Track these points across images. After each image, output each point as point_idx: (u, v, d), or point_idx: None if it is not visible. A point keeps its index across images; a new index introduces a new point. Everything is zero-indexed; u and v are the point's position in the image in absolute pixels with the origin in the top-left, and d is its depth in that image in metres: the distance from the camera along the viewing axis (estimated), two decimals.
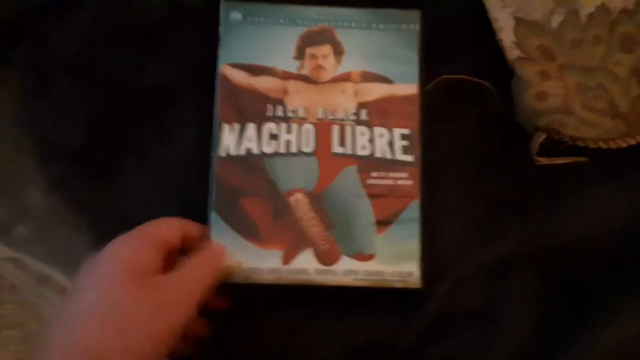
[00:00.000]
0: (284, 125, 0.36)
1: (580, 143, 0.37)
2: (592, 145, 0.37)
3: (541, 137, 0.37)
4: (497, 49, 0.38)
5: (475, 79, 0.38)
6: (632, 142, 0.37)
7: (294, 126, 0.36)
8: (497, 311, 0.36)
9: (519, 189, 0.38)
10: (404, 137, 0.36)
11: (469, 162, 0.38)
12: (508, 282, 0.36)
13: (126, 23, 0.38)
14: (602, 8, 0.38)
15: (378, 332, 0.36)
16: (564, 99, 0.37)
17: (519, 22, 0.38)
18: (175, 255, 0.33)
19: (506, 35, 0.38)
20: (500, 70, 0.38)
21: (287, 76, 0.36)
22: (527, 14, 0.38)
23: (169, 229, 0.33)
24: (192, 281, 0.31)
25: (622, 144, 0.37)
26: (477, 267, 0.36)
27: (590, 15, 0.37)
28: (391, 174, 0.35)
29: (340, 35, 0.37)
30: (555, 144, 0.37)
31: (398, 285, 0.34)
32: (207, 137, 0.35)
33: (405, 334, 0.36)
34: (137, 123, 0.37)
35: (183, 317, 0.30)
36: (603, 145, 0.37)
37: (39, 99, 0.38)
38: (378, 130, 0.36)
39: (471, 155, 0.38)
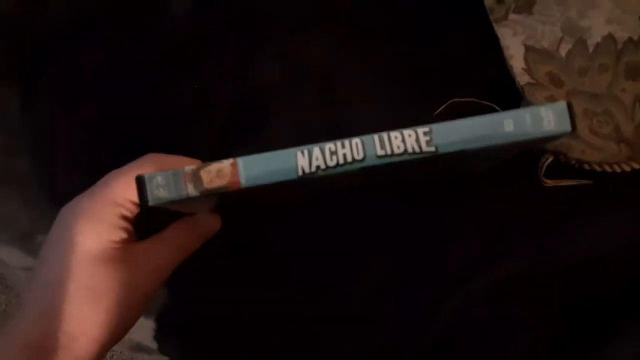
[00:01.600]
0: None
1: (586, 166, 0.38)
2: (598, 168, 0.38)
3: (548, 160, 0.38)
4: (507, 74, 0.39)
5: (485, 103, 0.40)
6: (637, 166, 0.38)
7: None
8: (501, 332, 0.37)
9: (525, 210, 0.39)
10: None
11: (477, 184, 0.39)
12: (512, 303, 0.37)
13: (152, 44, 0.40)
14: (609, 38, 0.39)
15: (385, 349, 0.37)
16: None
17: (529, 50, 0.39)
18: None
19: (516, 62, 0.39)
20: (509, 96, 0.39)
21: None
22: (536, 42, 0.39)
23: (120, 190, 0.30)
24: (167, 252, 0.31)
25: (627, 169, 0.38)
26: (482, 288, 0.37)
27: (598, 44, 0.39)
28: None
29: None
30: (562, 167, 0.38)
31: None
32: None
33: (408, 351, 0.37)
34: (164, 143, 0.38)
35: (158, 285, 0.30)
36: (608, 169, 0.38)
37: (66, 118, 0.39)
38: None
39: (479, 178, 0.39)
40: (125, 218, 0.30)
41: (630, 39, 0.39)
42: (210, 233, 0.34)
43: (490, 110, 0.40)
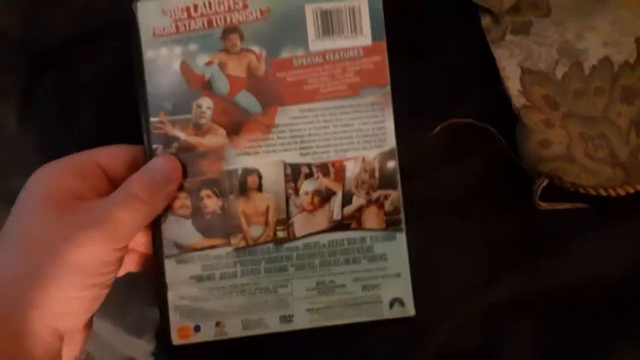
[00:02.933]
0: None
1: (581, 190, 0.38)
2: (592, 192, 0.38)
3: (543, 183, 0.38)
4: (503, 95, 0.39)
5: (481, 124, 0.40)
6: (631, 190, 0.38)
7: None
8: (498, 354, 0.37)
9: (521, 233, 0.39)
10: None
11: (473, 204, 0.39)
12: (509, 324, 0.38)
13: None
14: (605, 61, 0.39)
15: None
16: (566, 147, 0.38)
17: (525, 71, 0.39)
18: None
19: (512, 83, 0.39)
20: (505, 116, 0.39)
21: None
22: (533, 64, 0.39)
23: (107, 153, 0.31)
24: (112, 205, 0.29)
25: (622, 192, 0.38)
26: (479, 309, 0.38)
27: (593, 67, 0.39)
28: None
29: None
30: (557, 190, 0.38)
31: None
32: None
33: None
34: None
35: (103, 242, 0.28)
36: (603, 193, 0.38)
37: (64, 126, 0.39)
38: None
39: (475, 198, 0.39)
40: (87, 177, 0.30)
41: (627, 62, 0.39)
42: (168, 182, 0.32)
43: (486, 132, 0.40)
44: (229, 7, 0.32)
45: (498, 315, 0.38)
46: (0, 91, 0.40)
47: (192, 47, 0.32)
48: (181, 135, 0.33)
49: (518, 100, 0.39)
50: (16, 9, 0.39)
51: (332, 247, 0.33)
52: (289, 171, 0.33)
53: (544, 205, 0.38)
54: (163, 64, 0.32)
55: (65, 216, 0.28)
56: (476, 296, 0.38)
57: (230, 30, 0.33)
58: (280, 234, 0.33)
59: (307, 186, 0.33)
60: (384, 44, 0.34)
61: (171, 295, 0.33)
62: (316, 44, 0.33)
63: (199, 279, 0.33)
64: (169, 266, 0.33)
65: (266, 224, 0.33)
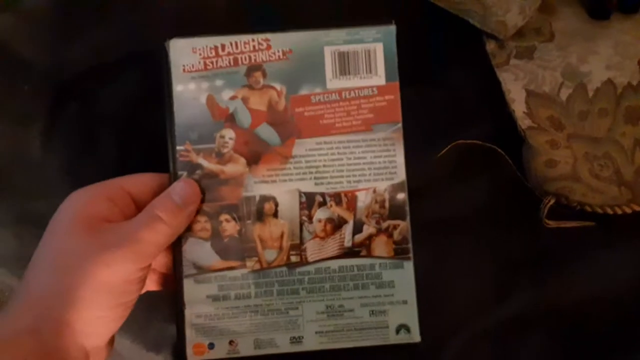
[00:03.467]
0: None
1: (588, 208, 0.39)
2: (599, 210, 0.39)
3: (550, 202, 0.39)
4: (509, 117, 0.41)
5: (488, 145, 0.41)
6: (637, 208, 0.39)
7: None
8: None
9: (529, 251, 0.40)
10: None
11: (481, 223, 0.40)
12: (517, 342, 0.38)
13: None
14: (608, 83, 0.40)
15: None
16: (572, 166, 0.39)
17: (530, 94, 0.40)
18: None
19: (518, 105, 0.40)
20: (512, 137, 0.41)
21: None
22: (537, 87, 0.41)
23: (135, 180, 0.34)
24: (137, 227, 0.31)
25: (628, 211, 0.39)
26: (489, 326, 0.38)
27: (597, 89, 0.40)
28: None
29: None
30: (564, 209, 0.39)
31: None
32: None
33: None
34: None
35: (129, 261, 0.30)
36: (609, 211, 0.39)
37: (86, 153, 0.41)
38: None
39: (483, 218, 0.40)
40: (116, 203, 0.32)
41: (629, 84, 0.40)
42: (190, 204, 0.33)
43: (493, 153, 0.41)
44: (254, 47, 0.35)
45: (506, 332, 0.38)
46: (25, 117, 0.41)
47: (218, 82, 0.35)
48: (204, 163, 0.35)
49: (523, 122, 0.40)
50: (42, 40, 0.42)
51: (342, 273, 0.35)
52: (303, 199, 0.35)
53: (551, 224, 0.39)
54: (190, 97, 0.35)
55: (95, 237, 0.30)
56: (484, 314, 0.39)
57: (254, 68, 0.35)
58: (294, 259, 0.35)
59: (320, 214, 0.35)
60: (397, 84, 0.36)
61: (188, 313, 0.35)
62: (333, 82, 0.35)
63: (215, 298, 0.35)
64: (188, 285, 0.34)
65: (280, 248, 0.35)
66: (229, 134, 0.35)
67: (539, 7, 0.41)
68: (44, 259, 0.31)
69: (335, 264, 0.35)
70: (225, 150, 0.35)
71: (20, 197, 0.41)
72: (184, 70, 0.35)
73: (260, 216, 0.35)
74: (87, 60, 0.41)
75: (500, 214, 0.40)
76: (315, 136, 0.35)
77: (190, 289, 0.34)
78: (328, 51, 0.35)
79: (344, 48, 0.35)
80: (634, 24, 0.42)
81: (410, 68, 0.43)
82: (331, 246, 0.35)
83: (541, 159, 0.39)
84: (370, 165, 0.35)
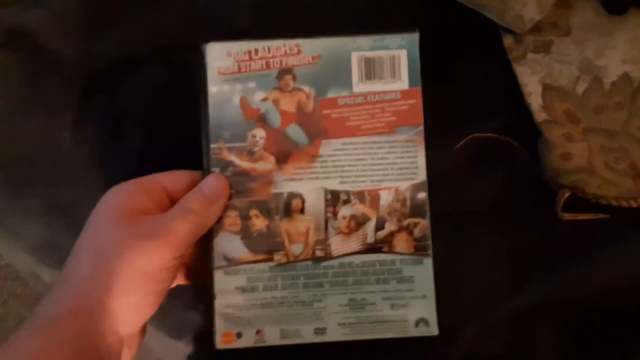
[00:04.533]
0: None
1: (603, 201, 0.40)
2: (614, 203, 0.39)
3: (566, 195, 0.39)
4: (525, 110, 0.41)
5: (504, 138, 0.41)
6: None
7: None
8: (520, 358, 0.38)
9: (544, 243, 0.40)
10: None
11: (497, 215, 0.40)
12: (532, 333, 0.39)
13: (189, 78, 0.43)
14: (625, 77, 0.41)
15: None
16: (587, 159, 0.40)
17: (546, 87, 0.41)
18: None
19: (534, 99, 0.41)
20: (528, 130, 0.41)
21: None
22: (554, 80, 0.41)
23: (170, 177, 0.35)
24: (171, 218, 0.33)
25: None
26: (502, 316, 0.39)
27: (613, 83, 0.41)
28: None
29: None
30: (579, 201, 0.40)
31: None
32: None
33: None
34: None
35: (164, 250, 0.32)
36: (624, 204, 0.39)
37: (112, 144, 0.42)
38: None
39: (499, 210, 0.41)
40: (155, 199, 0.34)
41: None
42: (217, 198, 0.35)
43: (510, 146, 0.41)
44: (285, 52, 0.37)
45: (521, 323, 0.39)
46: (56, 108, 0.43)
47: (251, 84, 0.36)
48: (236, 160, 0.36)
49: (540, 115, 0.41)
50: (71, 34, 0.43)
51: (364, 268, 0.36)
52: (329, 197, 0.36)
53: (567, 216, 0.40)
54: (225, 98, 0.36)
55: (133, 227, 0.32)
56: (499, 305, 0.39)
57: (285, 71, 0.37)
58: (319, 253, 0.36)
59: (344, 211, 0.37)
60: (419, 89, 0.37)
61: (218, 304, 0.36)
62: (359, 86, 0.37)
63: (244, 290, 0.36)
64: (218, 277, 0.36)
65: (306, 243, 0.36)
66: (260, 133, 0.36)
67: (556, 2, 0.42)
68: (84, 248, 0.32)
69: (358, 259, 0.36)
70: (256, 149, 0.36)
71: (50, 187, 0.42)
72: (218, 72, 0.36)
73: (287, 212, 0.36)
74: (115, 53, 0.43)
75: (515, 207, 0.41)
76: (341, 137, 0.37)
77: (221, 280, 0.36)
78: (355, 57, 0.37)
79: (370, 54, 0.37)
80: None
81: (427, 62, 0.44)
82: (354, 242, 0.37)
83: (557, 152, 0.40)
84: (393, 165, 0.37)
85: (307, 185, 0.36)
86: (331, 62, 0.37)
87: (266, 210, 0.36)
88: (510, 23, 0.42)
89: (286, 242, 0.36)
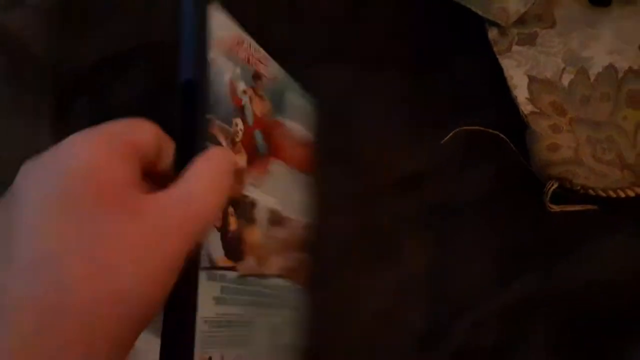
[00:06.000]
0: None
1: (591, 192, 0.39)
2: (602, 194, 0.39)
3: (553, 186, 0.39)
4: (512, 103, 0.41)
5: (491, 131, 0.41)
6: None
7: None
8: (512, 353, 0.38)
9: (534, 235, 0.40)
10: None
11: (486, 209, 0.40)
12: (523, 326, 0.39)
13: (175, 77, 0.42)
14: (610, 68, 0.41)
15: None
16: (574, 150, 0.40)
17: (532, 80, 0.41)
18: (155, 172, 0.25)
19: (520, 91, 0.41)
20: (515, 123, 0.41)
21: None
22: (539, 72, 0.41)
23: (142, 131, 0.24)
24: (195, 201, 0.23)
25: (631, 194, 0.39)
26: (494, 310, 0.39)
27: (599, 74, 0.41)
28: None
29: None
30: (568, 193, 0.40)
31: None
32: None
33: None
34: None
35: (183, 251, 0.22)
36: (613, 195, 0.39)
37: None
38: None
39: (488, 203, 0.40)
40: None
41: (630, 68, 0.41)
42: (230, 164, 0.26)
43: (497, 138, 0.41)
44: (260, 59, 0.35)
45: (512, 315, 0.39)
46: (35, 113, 0.42)
47: (237, 71, 0.32)
48: (223, 143, 0.30)
49: (526, 108, 0.40)
50: (48, 35, 0.43)
51: (277, 292, 0.35)
52: (270, 215, 0.35)
53: (555, 208, 0.39)
54: (219, 71, 0.30)
55: (136, 219, 0.21)
56: (490, 298, 0.39)
57: (258, 75, 0.35)
58: (263, 270, 0.34)
59: (277, 232, 0.36)
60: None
61: (199, 317, 0.26)
62: (290, 123, 0.38)
63: (217, 301, 0.28)
64: (202, 281, 0.27)
65: (258, 257, 0.33)
66: (240, 124, 0.33)
67: None
68: (74, 247, 0.20)
69: (276, 282, 0.35)
70: (237, 140, 0.32)
71: None
72: (216, 43, 0.30)
73: (249, 219, 0.32)
74: (97, 55, 0.42)
75: (504, 200, 0.41)
76: (282, 160, 0.37)
77: (203, 286, 0.27)
78: (287, 97, 0.38)
79: (298, 101, 0.40)
80: (634, 9, 0.43)
81: (414, 56, 0.44)
82: (275, 265, 0.35)
83: (544, 144, 0.40)
84: (301, 202, 0.39)
85: (261, 196, 0.34)
86: (280, 91, 0.37)
87: (240, 211, 0.31)
88: (494, 16, 0.42)
89: (247, 251, 0.31)
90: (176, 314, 0.25)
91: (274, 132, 0.36)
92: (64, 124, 0.42)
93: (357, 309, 0.39)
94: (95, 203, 0.21)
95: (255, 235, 0.32)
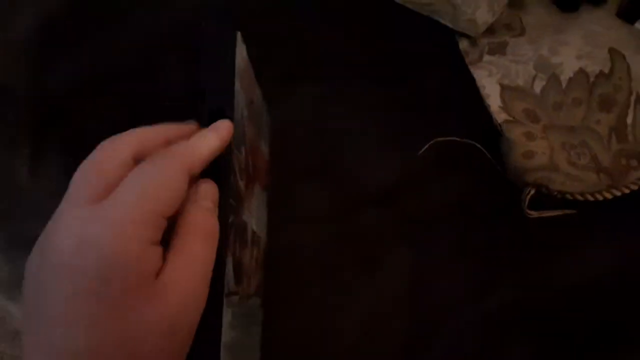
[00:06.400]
0: None
1: (568, 196, 0.39)
2: (580, 198, 0.39)
3: (531, 192, 0.39)
4: (485, 112, 0.41)
5: (467, 141, 0.41)
6: (618, 193, 0.39)
7: None
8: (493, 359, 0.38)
9: (513, 243, 0.40)
10: None
11: (462, 218, 0.40)
12: (503, 332, 0.38)
13: (152, 103, 0.42)
14: (581, 72, 0.41)
15: None
16: (549, 157, 0.40)
17: (504, 88, 0.41)
18: None
19: (493, 100, 0.41)
20: (489, 132, 0.41)
21: None
22: (511, 81, 0.41)
23: (175, 192, 0.24)
24: (196, 270, 0.24)
25: (609, 196, 0.39)
26: (474, 319, 0.38)
27: (570, 79, 0.41)
28: None
29: None
30: (545, 198, 0.40)
31: None
32: None
33: None
34: None
35: (198, 313, 0.24)
36: (590, 198, 0.39)
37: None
38: None
39: (465, 212, 0.40)
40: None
41: (601, 72, 0.41)
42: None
43: (472, 148, 0.41)
44: (251, 83, 0.34)
45: (491, 324, 0.38)
46: (11, 142, 0.42)
47: (243, 97, 0.31)
48: (236, 170, 0.29)
49: (499, 116, 0.41)
50: (22, 64, 0.43)
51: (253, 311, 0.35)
52: (252, 235, 0.34)
53: (533, 214, 0.39)
54: (239, 99, 0.29)
55: (158, 303, 0.22)
56: (470, 306, 0.39)
57: (251, 101, 0.34)
58: (249, 291, 0.33)
59: (255, 251, 0.35)
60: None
61: (222, 344, 0.25)
62: (263, 144, 0.38)
63: (231, 326, 0.27)
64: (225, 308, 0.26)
65: (247, 278, 0.32)
66: (243, 151, 0.31)
67: (508, 3, 0.42)
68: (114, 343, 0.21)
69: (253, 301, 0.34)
70: (242, 167, 0.30)
71: (11, 221, 0.41)
72: (238, 71, 0.29)
73: (242, 242, 0.30)
74: (70, 84, 0.42)
75: (482, 208, 0.41)
76: (258, 181, 0.36)
77: (225, 312, 0.26)
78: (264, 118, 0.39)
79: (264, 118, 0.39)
80: (602, 14, 0.43)
81: (387, 68, 0.45)
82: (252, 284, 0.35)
83: (519, 151, 0.40)
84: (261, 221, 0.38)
85: (248, 219, 0.32)
86: (259, 114, 0.37)
87: (238, 235, 0.29)
88: (464, 27, 0.42)
89: (243, 274, 0.30)
90: (203, 342, 0.25)
91: (256, 156, 0.35)
92: (41, 153, 0.42)
93: (341, 321, 0.39)
94: (122, 295, 0.21)
95: (246, 257, 0.32)
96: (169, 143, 0.26)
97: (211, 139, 0.26)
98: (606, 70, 0.41)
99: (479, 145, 0.41)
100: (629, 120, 0.40)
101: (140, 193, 0.23)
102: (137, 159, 0.25)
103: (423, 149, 0.41)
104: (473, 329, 0.38)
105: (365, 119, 0.43)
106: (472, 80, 0.42)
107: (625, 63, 0.41)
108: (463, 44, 0.43)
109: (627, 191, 0.39)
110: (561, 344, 0.38)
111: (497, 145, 0.41)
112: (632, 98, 0.40)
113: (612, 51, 0.42)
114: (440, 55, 0.43)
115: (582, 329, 0.38)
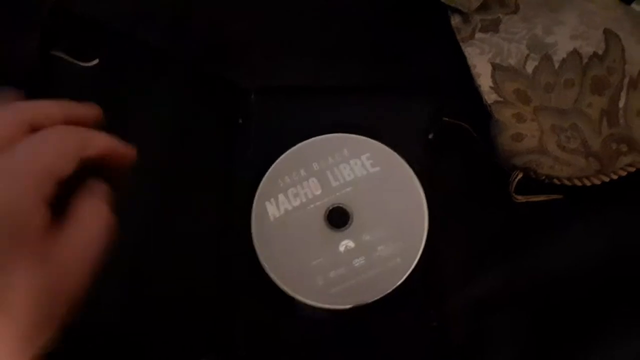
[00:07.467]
0: None
1: (556, 181, 0.39)
2: (567, 183, 0.39)
3: (518, 176, 0.39)
4: (476, 92, 0.40)
5: (455, 122, 0.40)
6: (606, 179, 0.39)
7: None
8: (483, 346, 0.38)
9: (501, 227, 0.39)
10: None
11: (451, 202, 0.39)
12: (492, 319, 0.38)
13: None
14: (574, 53, 0.40)
15: None
16: (539, 140, 0.39)
17: (495, 67, 0.40)
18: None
19: (484, 80, 0.40)
20: (479, 112, 0.40)
21: None
22: (503, 60, 0.40)
23: (61, 146, 0.24)
24: (84, 242, 0.24)
25: (597, 182, 0.39)
26: (461, 305, 0.38)
27: (563, 60, 0.40)
28: None
29: None
30: (533, 182, 0.39)
31: None
32: None
33: None
34: None
35: (79, 287, 0.24)
36: (578, 183, 0.39)
37: None
38: None
39: (454, 195, 0.40)
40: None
41: (595, 54, 0.40)
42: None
43: (461, 129, 0.41)
44: None
45: (480, 309, 0.38)
46: None
47: None
48: None
49: (490, 97, 0.40)
50: None
51: None
52: None
53: (520, 198, 0.39)
54: None
55: (40, 265, 0.22)
56: (460, 291, 0.38)
57: None
58: None
59: None
60: None
61: None
62: None
63: None
64: None
65: None
66: None
67: None
68: None
69: None
70: None
71: None
72: None
73: None
74: None
75: (469, 191, 0.40)
76: None
77: None
78: None
79: None
80: None
81: (376, 46, 0.43)
82: None
83: (508, 134, 0.39)
84: None
85: None
86: None
87: None
88: (457, 2, 0.41)
89: None
90: None
91: None
92: None
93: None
94: (9, 247, 0.21)
95: None
96: (69, 122, 0.26)
97: (112, 141, 0.26)
98: (600, 52, 0.40)
99: (467, 126, 0.40)
100: (621, 103, 0.39)
101: (37, 152, 0.23)
102: (35, 129, 0.25)
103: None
104: (462, 313, 0.38)
105: None
106: (463, 58, 0.41)
107: (620, 45, 0.40)
108: (455, 20, 0.41)
109: (615, 177, 0.38)
110: (551, 328, 0.38)
111: (486, 127, 0.40)
112: (625, 81, 0.39)
113: (607, 32, 0.40)
114: (431, 32, 0.42)
115: (571, 313, 0.38)
